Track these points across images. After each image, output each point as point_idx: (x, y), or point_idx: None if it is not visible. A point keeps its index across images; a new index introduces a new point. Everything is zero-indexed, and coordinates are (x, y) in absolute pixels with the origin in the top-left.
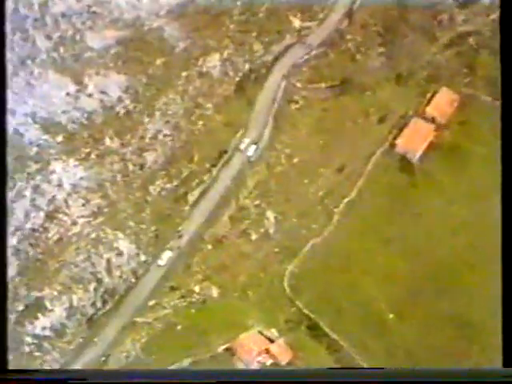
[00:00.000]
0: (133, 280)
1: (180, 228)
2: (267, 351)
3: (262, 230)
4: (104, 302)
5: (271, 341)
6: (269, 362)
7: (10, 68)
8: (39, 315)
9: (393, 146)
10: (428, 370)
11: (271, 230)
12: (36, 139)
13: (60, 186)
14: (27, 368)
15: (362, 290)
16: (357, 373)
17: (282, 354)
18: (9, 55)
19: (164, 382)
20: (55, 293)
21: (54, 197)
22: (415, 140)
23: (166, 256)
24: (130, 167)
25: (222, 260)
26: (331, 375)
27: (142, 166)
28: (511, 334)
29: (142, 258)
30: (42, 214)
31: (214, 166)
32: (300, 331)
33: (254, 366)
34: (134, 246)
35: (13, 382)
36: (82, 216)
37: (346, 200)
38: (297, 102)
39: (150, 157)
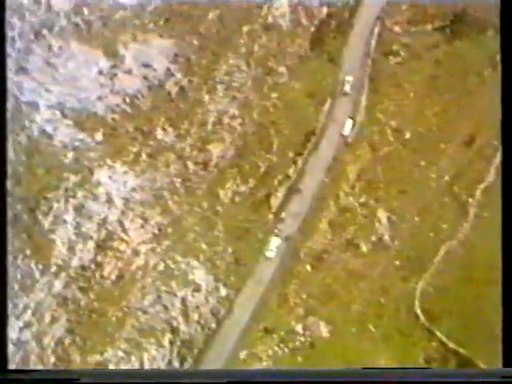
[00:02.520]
0: (213, 325)
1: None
2: None
3: (375, 238)
4: (182, 360)
5: None
6: None
7: (21, 45)
8: None
9: None
10: (428, 370)
11: (386, 236)
12: (70, 140)
13: (110, 202)
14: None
15: None
16: (357, 373)
17: None
18: (20, 26)
19: (161, 383)
20: (120, 353)
21: (104, 219)
22: None
23: (275, 244)
24: (191, 167)
25: (326, 284)
26: (332, 375)
27: (205, 165)
28: (511, 334)
29: (223, 292)
30: (91, 244)
31: (299, 154)
32: None
33: None
34: (211, 276)
35: (13, 381)
36: (143, 242)
37: (482, 185)
38: (398, 54)
39: (215, 150)
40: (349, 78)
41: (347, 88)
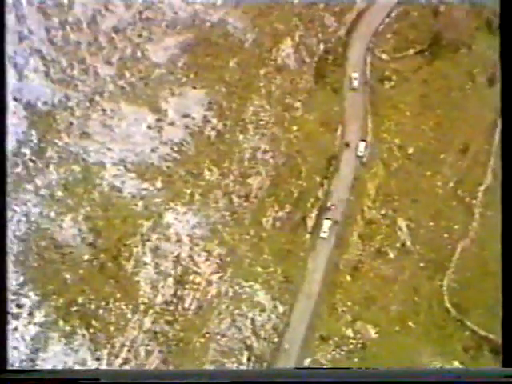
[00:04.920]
0: (276, 339)
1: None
2: None
3: (398, 245)
4: None
5: None
6: None
7: (80, 111)
8: None
9: None
10: (428, 370)
11: (408, 242)
12: (137, 190)
13: (179, 241)
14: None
15: None
16: (356, 373)
17: None
18: (75, 95)
19: (179, 383)
20: None
21: (178, 256)
22: None
23: (327, 225)
24: (236, 200)
25: (366, 291)
26: (334, 375)
27: (247, 197)
28: (511, 334)
29: (280, 309)
30: (171, 280)
31: (325, 177)
32: (486, 359)
33: None
34: (269, 296)
35: (13, 381)
36: (212, 273)
37: (482, 187)
38: (390, 79)
39: (254, 183)
40: (355, 75)
41: (355, 83)
